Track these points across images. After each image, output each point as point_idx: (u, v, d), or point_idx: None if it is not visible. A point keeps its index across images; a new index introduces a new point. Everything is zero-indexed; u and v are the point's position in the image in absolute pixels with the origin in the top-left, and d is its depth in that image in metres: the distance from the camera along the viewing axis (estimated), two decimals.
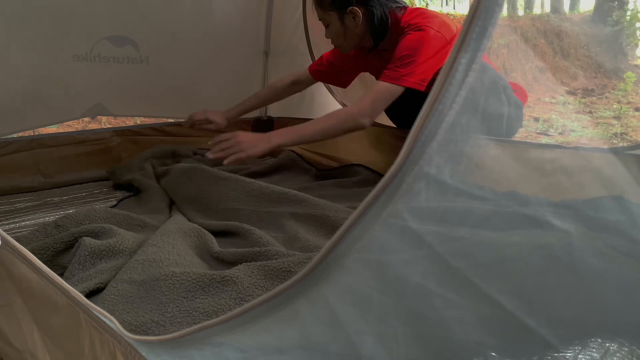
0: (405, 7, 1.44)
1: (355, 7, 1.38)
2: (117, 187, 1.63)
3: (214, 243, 1.07)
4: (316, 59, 2.10)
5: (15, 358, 0.76)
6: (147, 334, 0.73)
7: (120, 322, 0.74)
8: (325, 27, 1.47)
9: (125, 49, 1.76)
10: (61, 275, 0.93)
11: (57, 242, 1.02)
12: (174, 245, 1.00)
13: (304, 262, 0.92)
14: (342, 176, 1.75)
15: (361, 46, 1.52)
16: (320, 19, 1.47)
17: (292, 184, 1.65)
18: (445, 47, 1.32)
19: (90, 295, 0.87)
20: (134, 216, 1.19)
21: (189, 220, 1.25)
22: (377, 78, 1.67)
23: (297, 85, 1.77)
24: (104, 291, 0.86)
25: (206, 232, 1.12)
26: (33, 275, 0.66)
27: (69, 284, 0.88)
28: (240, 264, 0.97)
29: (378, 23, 1.41)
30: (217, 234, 1.17)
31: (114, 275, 0.91)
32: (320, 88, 2.10)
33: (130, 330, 0.72)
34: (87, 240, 0.99)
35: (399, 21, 1.41)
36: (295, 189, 1.58)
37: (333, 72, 1.70)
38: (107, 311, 0.76)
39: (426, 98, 0.45)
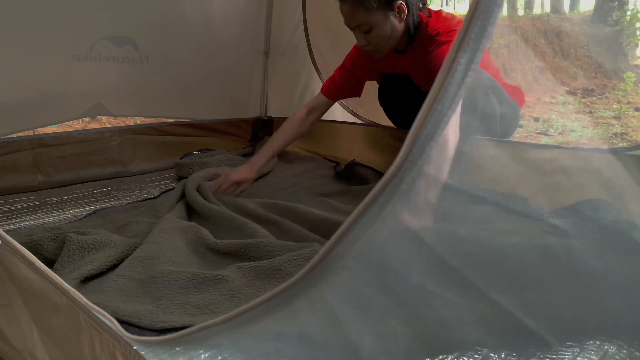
0: (424, 4, 1.40)
1: (401, 2, 1.32)
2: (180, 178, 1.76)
3: (209, 236, 1.11)
4: (316, 58, 2.10)
5: (15, 358, 0.76)
6: (140, 320, 0.75)
7: (115, 309, 0.76)
8: (365, 33, 1.35)
9: (125, 49, 1.76)
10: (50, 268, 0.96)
11: (43, 238, 1.04)
12: (171, 241, 1.05)
13: (295, 260, 0.95)
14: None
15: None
16: (357, 25, 1.34)
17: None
18: None
19: (85, 281, 0.92)
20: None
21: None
22: (376, 80, 1.66)
23: (314, 113, 1.63)
24: (104, 282, 0.90)
25: (201, 227, 1.16)
26: (33, 275, 0.66)
27: (60, 275, 0.90)
28: (233, 255, 1.03)
29: (413, 19, 1.37)
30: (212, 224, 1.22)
31: (105, 263, 0.96)
32: (320, 87, 2.10)
33: (124, 315, 0.75)
34: (74, 235, 1.03)
35: (423, 23, 1.39)
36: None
37: (348, 83, 1.63)
38: (105, 300, 0.79)
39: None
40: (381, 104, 1.71)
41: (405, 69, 1.53)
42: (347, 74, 1.62)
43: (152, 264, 0.94)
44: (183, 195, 1.41)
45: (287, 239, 1.11)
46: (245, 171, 1.49)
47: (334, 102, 1.69)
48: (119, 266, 0.96)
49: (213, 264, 1.02)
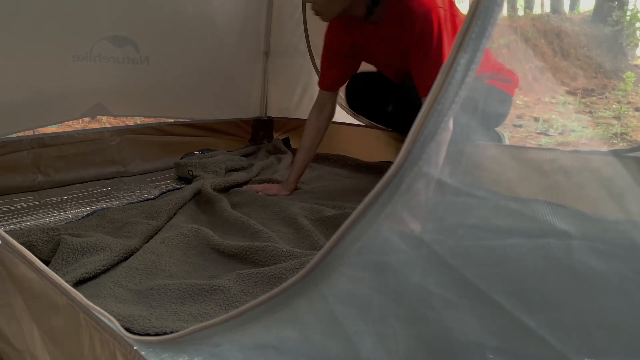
0: None
1: None
2: (180, 178, 1.78)
3: (214, 236, 1.11)
4: (316, 59, 2.10)
5: (15, 358, 0.76)
6: (132, 324, 0.76)
7: (109, 312, 0.76)
8: None
9: (125, 49, 1.76)
10: None
11: (38, 240, 1.05)
12: (172, 253, 1.05)
13: (297, 269, 0.94)
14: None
15: (346, 16, 1.36)
16: None
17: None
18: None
19: (79, 284, 0.92)
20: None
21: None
22: (361, 55, 1.50)
23: (324, 111, 1.57)
24: (101, 288, 0.90)
25: (205, 228, 1.15)
26: (33, 275, 0.66)
27: None
28: (239, 257, 1.02)
29: None
30: (223, 231, 1.21)
31: (99, 267, 0.97)
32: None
33: (117, 319, 0.75)
34: (69, 238, 1.03)
35: None
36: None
37: (337, 64, 1.52)
38: (100, 304, 0.79)
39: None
40: (350, 107, 1.68)
41: (374, 43, 1.42)
42: (330, 54, 1.52)
43: (151, 278, 0.95)
44: (187, 199, 1.41)
45: (301, 247, 1.10)
46: (281, 192, 1.54)
47: (337, 92, 1.59)
48: (117, 273, 0.96)
49: (217, 265, 1.02)
